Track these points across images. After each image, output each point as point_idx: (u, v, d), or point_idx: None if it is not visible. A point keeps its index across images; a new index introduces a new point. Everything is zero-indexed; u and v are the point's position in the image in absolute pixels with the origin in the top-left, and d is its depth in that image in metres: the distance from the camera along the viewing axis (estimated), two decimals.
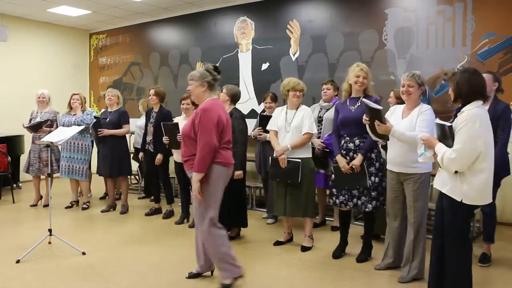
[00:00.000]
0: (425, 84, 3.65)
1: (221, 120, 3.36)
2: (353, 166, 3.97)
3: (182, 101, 5.40)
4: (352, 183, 4.04)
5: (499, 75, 4.19)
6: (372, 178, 3.99)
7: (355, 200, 4.07)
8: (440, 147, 2.89)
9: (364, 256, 4.18)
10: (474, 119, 2.76)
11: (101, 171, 6.25)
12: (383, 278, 3.78)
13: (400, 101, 4.64)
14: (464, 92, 2.86)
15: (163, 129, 5.36)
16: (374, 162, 4.01)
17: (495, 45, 5.41)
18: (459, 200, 2.85)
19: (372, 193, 3.99)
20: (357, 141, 4.02)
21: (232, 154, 3.55)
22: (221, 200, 3.47)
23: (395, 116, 3.66)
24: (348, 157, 4.05)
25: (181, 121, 5.42)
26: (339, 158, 4.09)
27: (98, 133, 5.95)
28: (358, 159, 3.97)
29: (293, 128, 4.38)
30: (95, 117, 6.24)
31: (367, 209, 4.05)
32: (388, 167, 3.74)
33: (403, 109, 3.65)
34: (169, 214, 5.89)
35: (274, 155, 4.47)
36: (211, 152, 3.29)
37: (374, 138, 3.70)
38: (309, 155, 4.43)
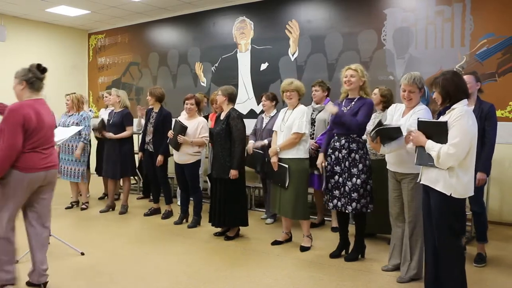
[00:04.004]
0: (424, 85, 3.66)
1: (29, 120, 3.13)
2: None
3: (186, 101, 5.39)
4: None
5: (479, 76, 4.26)
6: (354, 179, 4.00)
7: (335, 201, 4.11)
8: (432, 144, 2.97)
9: (353, 255, 4.19)
10: (467, 115, 2.91)
11: (104, 172, 6.26)
12: (382, 278, 3.78)
13: (385, 100, 4.67)
14: (452, 92, 2.98)
15: (173, 124, 5.38)
16: (357, 164, 4.01)
17: (493, 46, 5.42)
18: (449, 194, 2.94)
19: (352, 195, 3.99)
20: (343, 141, 4.05)
21: (44, 157, 3.29)
22: (17, 208, 3.27)
23: (397, 114, 3.69)
24: (333, 156, 4.11)
25: (184, 120, 5.43)
26: (320, 155, 4.23)
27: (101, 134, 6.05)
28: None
29: (286, 127, 4.40)
30: (101, 121, 6.25)
31: (347, 211, 4.07)
32: (387, 166, 3.75)
33: (403, 109, 3.67)
34: (168, 214, 5.89)
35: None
36: (13, 156, 3.09)
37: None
38: (301, 155, 4.38)
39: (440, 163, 2.92)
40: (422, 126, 3.10)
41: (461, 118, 2.88)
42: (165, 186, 5.93)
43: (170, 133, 5.34)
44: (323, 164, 4.17)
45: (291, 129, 4.36)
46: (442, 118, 3.02)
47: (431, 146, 2.97)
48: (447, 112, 3.00)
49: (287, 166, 4.33)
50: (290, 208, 4.39)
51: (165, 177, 5.91)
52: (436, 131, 3.00)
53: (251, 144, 5.36)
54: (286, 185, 4.33)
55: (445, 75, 3.06)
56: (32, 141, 3.21)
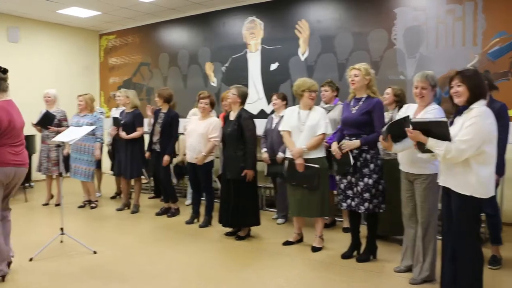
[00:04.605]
0: (437, 83, 3.63)
1: (1, 121, 3.45)
2: (343, 146, 4.01)
3: (200, 100, 5.40)
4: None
5: (488, 74, 4.19)
6: (365, 179, 3.99)
7: (349, 201, 4.10)
8: (436, 142, 2.93)
9: (365, 256, 4.18)
10: (486, 115, 2.87)
11: (117, 172, 6.33)
12: (394, 279, 3.77)
13: (398, 99, 4.65)
14: (480, 92, 2.94)
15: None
16: (369, 163, 4.00)
17: (506, 44, 5.36)
18: (469, 194, 2.91)
19: (364, 195, 3.98)
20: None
21: (14, 154, 3.59)
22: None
23: (407, 114, 3.66)
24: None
25: (196, 120, 5.44)
26: (334, 143, 4.17)
27: (116, 132, 6.10)
28: (353, 142, 3.98)
29: (307, 127, 4.37)
30: (114, 118, 6.29)
31: (360, 211, 4.06)
32: (400, 167, 3.74)
33: (416, 108, 3.64)
34: (174, 213, 5.96)
35: (289, 156, 4.47)
36: None
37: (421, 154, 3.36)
38: (323, 154, 4.44)
39: (448, 159, 2.89)
40: (418, 126, 3.04)
41: (478, 117, 2.85)
42: (168, 185, 5.98)
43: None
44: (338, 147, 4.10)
45: (313, 129, 4.36)
46: (458, 119, 2.99)
47: (435, 144, 2.93)
48: (464, 112, 2.95)
49: (318, 166, 4.31)
50: (318, 206, 4.38)
51: (168, 177, 5.95)
52: (435, 130, 2.95)
53: (266, 154, 5.44)
54: (317, 185, 4.31)
55: (469, 71, 3.02)
56: (3, 139, 3.50)
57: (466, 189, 2.92)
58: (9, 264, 3.78)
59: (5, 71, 3.65)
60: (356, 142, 3.97)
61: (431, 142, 2.96)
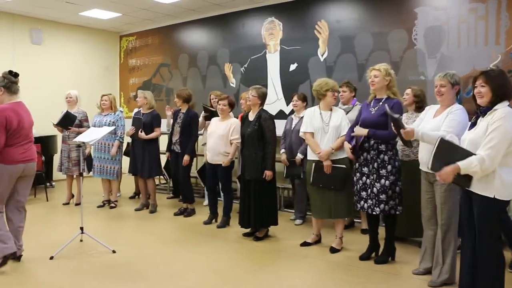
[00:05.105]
0: (460, 83, 3.56)
1: (11, 122, 3.67)
2: (356, 133, 4.02)
3: (219, 101, 5.43)
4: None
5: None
6: (382, 180, 3.94)
7: (362, 202, 4.06)
8: (467, 162, 2.82)
9: (383, 258, 4.13)
10: (510, 116, 2.80)
11: (133, 171, 6.38)
12: (412, 281, 3.72)
13: (418, 100, 4.58)
14: (503, 93, 2.87)
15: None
16: (386, 165, 3.95)
17: None
18: (492, 196, 2.84)
19: (381, 196, 3.94)
20: (372, 141, 3.99)
21: (23, 151, 3.82)
22: (4, 194, 3.80)
23: (428, 115, 3.62)
24: (362, 157, 4.06)
25: (216, 122, 5.46)
26: (346, 144, 4.17)
27: (133, 132, 6.13)
28: (362, 130, 3.96)
29: (332, 128, 4.36)
30: (134, 118, 6.36)
31: (374, 213, 4.01)
32: (420, 167, 3.68)
33: (437, 108, 3.59)
34: (190, 213, 6.00)
35: (312, 158, 4.44)
36: None
37: (404, 144, 3.59)
38: (346, 154, 4.41)
39: (484, 169, 2.79)
40: (439, 162, 2.92)
41: (503, 119, 2.78)
42: (185, 185, 6.01)
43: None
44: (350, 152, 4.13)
45: (337, 129, 4.36)
46: (481, 120, 2.92)
47: (468, 165, 2.81)
48: (488, 113, 2.89)
49: (344, 166, 4.31)
50: (346, 206, 4.38)
51: (186, 177, 5.98)
52: (453, 154, 2.87)
53: (284, 155, 5.46)
54: (344, 185, 4.29)
55: (494, 71, 2.96)
56: (13, 138, 3.74)
57: (489, 191, 2.86)
58: (19, 257, 4.04)
59: (16, 75, 3.88)
60: (364, 130, 3.93)
61: (463, 166, 2.83)
